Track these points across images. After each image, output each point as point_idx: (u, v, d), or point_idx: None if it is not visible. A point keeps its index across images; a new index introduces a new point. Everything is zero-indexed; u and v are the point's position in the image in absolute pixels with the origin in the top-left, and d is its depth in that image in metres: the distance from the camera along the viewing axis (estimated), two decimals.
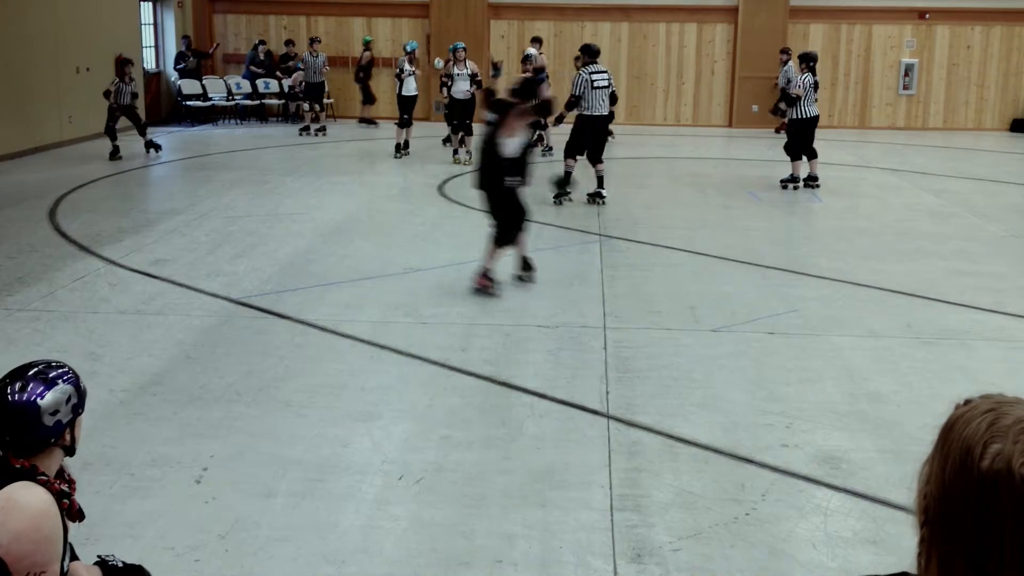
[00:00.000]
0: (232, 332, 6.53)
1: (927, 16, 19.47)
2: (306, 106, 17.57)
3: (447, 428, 4.98)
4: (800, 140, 12.45)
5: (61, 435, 2.41)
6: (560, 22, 19.75)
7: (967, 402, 1.19)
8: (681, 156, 15.53)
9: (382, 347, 6.23)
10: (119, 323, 6.66)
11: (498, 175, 7.46)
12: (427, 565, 3.75)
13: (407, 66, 14.71)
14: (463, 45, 14.72)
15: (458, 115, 14.38)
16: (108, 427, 4.90)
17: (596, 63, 11.19)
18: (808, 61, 12.50)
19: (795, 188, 12.53)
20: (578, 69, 11.56)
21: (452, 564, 3.76)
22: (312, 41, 17.51)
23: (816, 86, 12.47)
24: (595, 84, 11.01)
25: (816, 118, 12.46)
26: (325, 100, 18.29)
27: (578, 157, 11.44)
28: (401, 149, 14.80)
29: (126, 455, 4.62)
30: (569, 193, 11.28)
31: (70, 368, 2.49)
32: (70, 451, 2.48)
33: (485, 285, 7.43)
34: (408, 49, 14.98)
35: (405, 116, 14.72)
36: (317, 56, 17.27)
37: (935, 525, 1.15)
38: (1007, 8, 19.37)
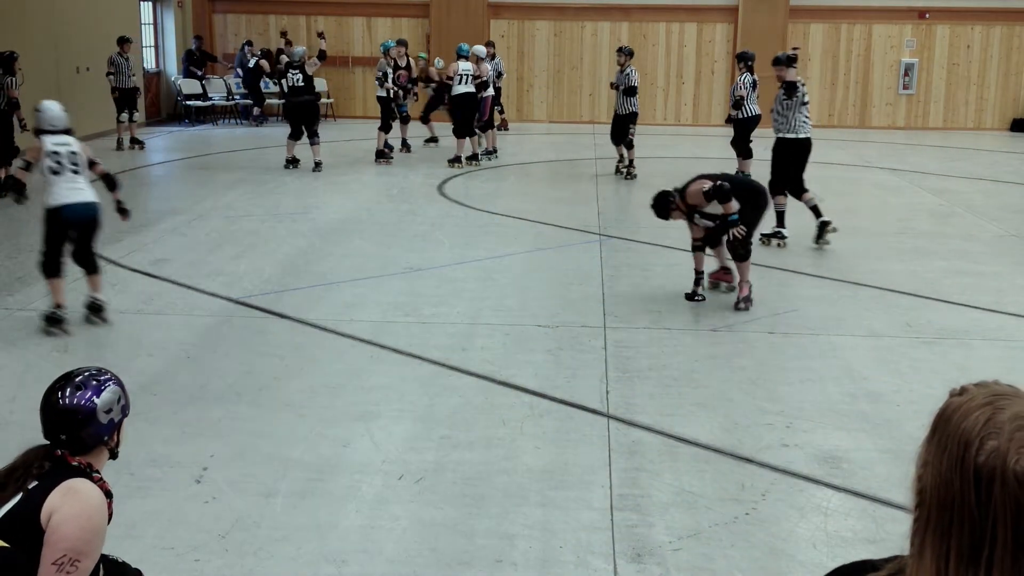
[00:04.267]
0: (232, 332, 6.53)
1: (927, 16, 19.47)
2: (124, 116, 14.90)
3: (447, 428, 4.98)
4: (744, 139, 12.51)
5: (112, 434, 2.53)
6: (560, 22, 19.75)
7: (962, 390, 1.20)
8: (681, 156, 15.52)
9: (382, 347, 6.23)
10: (119, 323, 6.66)
11: None
12: (427, 565, 3.75)
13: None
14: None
15: (455, 115, 14.18)
16: None
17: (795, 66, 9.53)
18: (746, 61, 12.49)
19: None
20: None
21: (452, 564, 3.76)
22: (122, 41, 14.99)
23: (755, 85, 12.51)
24: (805, 98, 9.32)
25: (758, 117, 12.50)
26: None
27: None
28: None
29: (126, 455, 4.56)
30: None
31: (112, 373, 2.61)
32: (114, 453, 2.61)
33: None
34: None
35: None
36: (127, 57, 14.99)
37: (930, 513, 1.17)
38: (1007, 8, 19.37)
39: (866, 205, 11.82)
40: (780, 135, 9.29)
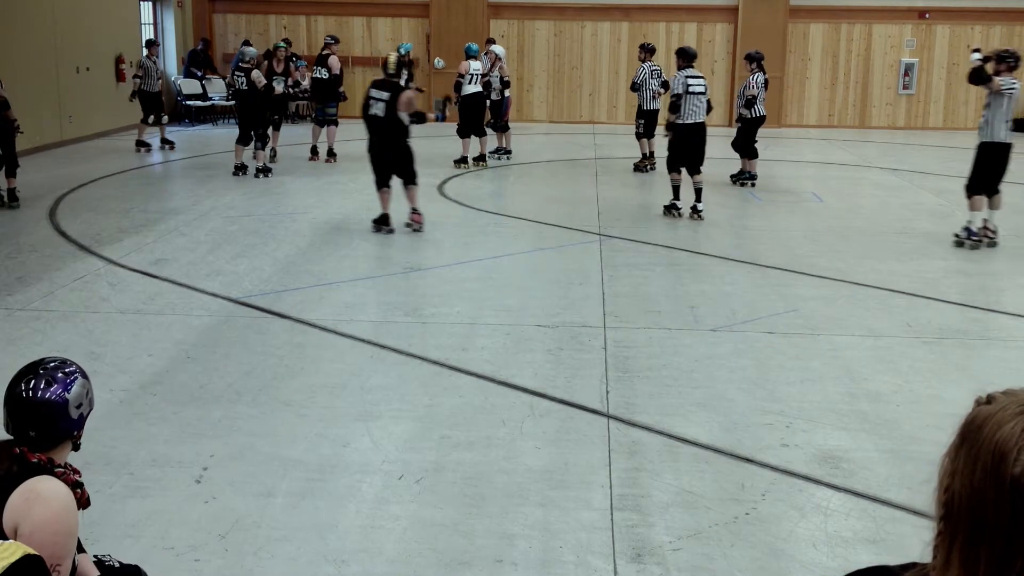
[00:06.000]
0: (232, 332, 6.53)
1: (927, 16, 19.47)
2: (152, 119, 15.03)
3: (447, 428, 4.98)
4: (750, 138, 12.56)
5: (81, 428, 2.48)
6: (560, 22, 19.75)
7: (989, 399, 1.18)
8: None
9: (382, 347, 6.22)
10: (119, 323, 6.66)
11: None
12: (427, 565, 3.75)
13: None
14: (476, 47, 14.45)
15: (463, 115, 14.10)
16: (108, 427, 4.90)
17: (692, 67, 10.53)
18: (758, 60, 12.51)
19: (752, 184, 12.66)
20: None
21: (452, 564, 3.76)
22: (151, 44, 15.26)
23: (766, 84, 12.62)
24: (691, 88, 10.35)
25: (763, 118, 12.58)
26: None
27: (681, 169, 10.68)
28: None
29: (126, 455, 4.62)
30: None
31: (76, 364, 2.56)
32: (77, 446, 2.55)
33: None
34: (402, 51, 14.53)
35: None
36: (155, 60, 15.11)
37: (959, 523, 1.15)
38: (1007, 8, 19.38)
39: (866, 205, 11.82)
40: (675, 121, 10.54)
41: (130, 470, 4.48)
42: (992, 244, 9.28)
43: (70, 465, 2.53)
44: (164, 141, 15.35)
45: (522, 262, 8.55)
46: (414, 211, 9.66)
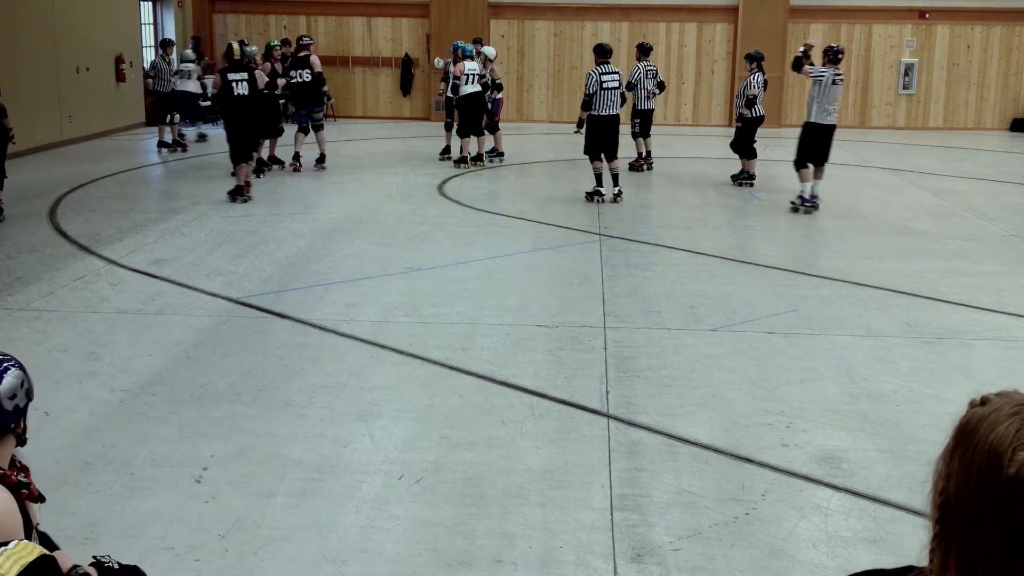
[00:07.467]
0: (232, 332, 6.53)
1: (927, 16, 19.47)
2: (176, 117, 15.21)
3: (447, 428, 4.98)
4: (749, 138, 12.58)
5: (19, 421, 2.41)
6: (560, 22, 19.75)
7: (983, 400, 1.18)
8: (681, 156, 15.53)
9: (382, 347, 6.22)
10: (119, 323, 6.66)
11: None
12: (427, 565, 3.75)
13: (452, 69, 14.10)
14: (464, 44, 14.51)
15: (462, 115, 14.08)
16: (108, 427, 4.90)
17: (608, 63, 11.32)
18: (757, 60, 12.54)
19: (751, 184, 12.69)
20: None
21: (452, 564, 3.76)
22: (165, 44, 15.64)
23: (765, 84, 12.68)
24: (604, 84, 11.14)
25: (763, 118, 12.64)
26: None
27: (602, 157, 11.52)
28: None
29: (126, 455, 4.62)
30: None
31: (12, 355, 2.50)
32: (22, 440, 2.47)
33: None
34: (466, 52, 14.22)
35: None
36: (169, 61, 15.25)
37: (955, 525, 1.14)
38: (1007, 8, 19.37)
39: (866, 205, 11.82)
40: (590, 113, 11.27)
41: (130, 470, 4.48)
42: (815, 207, 10.89)
43: (16, 462, 2.47)
44: (175, 142, 15.32)
45: (522, 262, 8.55)
46: (247, 183, 11.22)
